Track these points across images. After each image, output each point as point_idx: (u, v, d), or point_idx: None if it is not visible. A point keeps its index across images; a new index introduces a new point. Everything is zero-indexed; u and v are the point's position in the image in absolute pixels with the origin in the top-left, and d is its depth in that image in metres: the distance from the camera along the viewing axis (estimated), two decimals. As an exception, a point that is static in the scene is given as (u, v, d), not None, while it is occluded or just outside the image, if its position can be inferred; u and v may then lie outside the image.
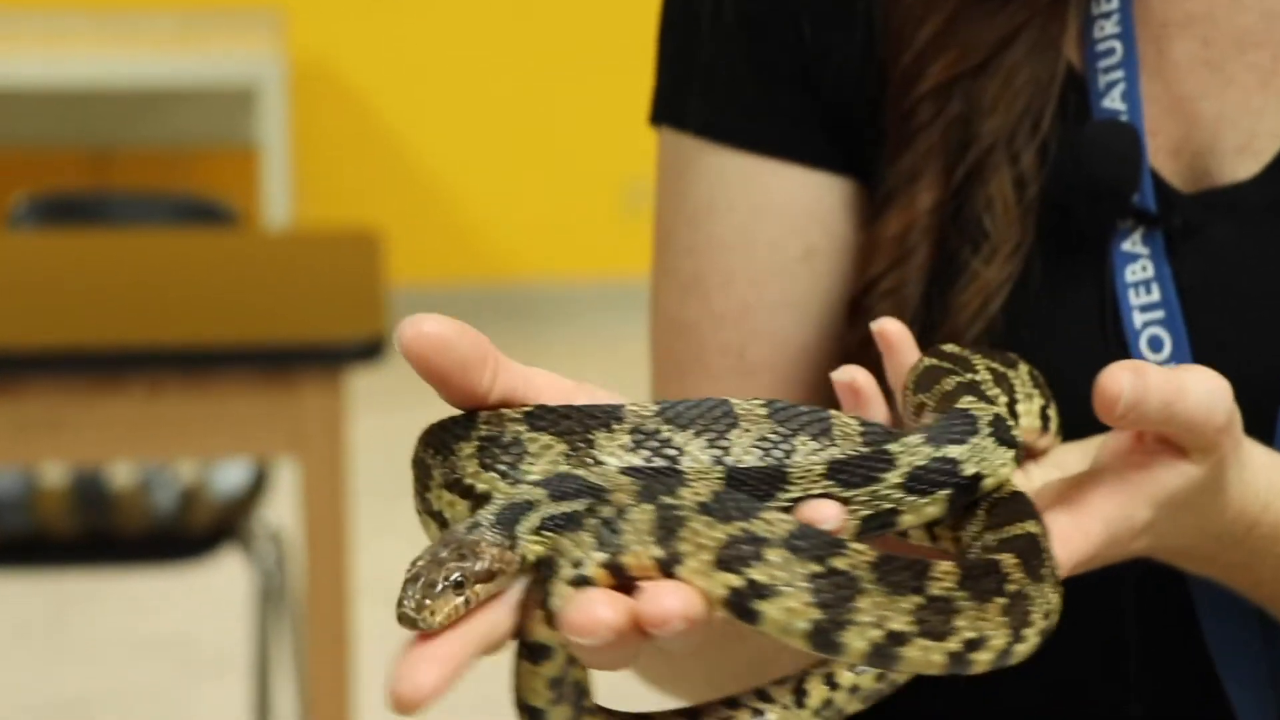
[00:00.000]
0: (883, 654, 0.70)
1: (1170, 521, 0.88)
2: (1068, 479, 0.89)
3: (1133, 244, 1.07)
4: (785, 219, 1.14)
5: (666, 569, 0.70)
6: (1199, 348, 1.05)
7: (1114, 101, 1.10)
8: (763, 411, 0.81)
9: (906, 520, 0.78)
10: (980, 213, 1.08)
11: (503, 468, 0.77)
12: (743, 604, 0.70)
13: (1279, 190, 1.09)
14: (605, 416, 0.79)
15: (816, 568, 0.70)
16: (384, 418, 5.64)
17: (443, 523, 0.79)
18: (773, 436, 0.80)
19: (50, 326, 2.95)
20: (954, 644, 0.71)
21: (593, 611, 0.69)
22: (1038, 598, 0.75)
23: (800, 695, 0.83)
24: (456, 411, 0.80)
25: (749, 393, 1.12)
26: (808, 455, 0.80)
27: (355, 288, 3.16)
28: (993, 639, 0.72)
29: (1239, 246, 1.08)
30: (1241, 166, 1.10)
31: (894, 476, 0.77)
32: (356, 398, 2.84)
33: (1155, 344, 1.06)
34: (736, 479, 0.76)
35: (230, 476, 3.39)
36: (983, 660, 0.72)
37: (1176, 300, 1.06)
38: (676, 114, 1.18)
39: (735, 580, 0.70)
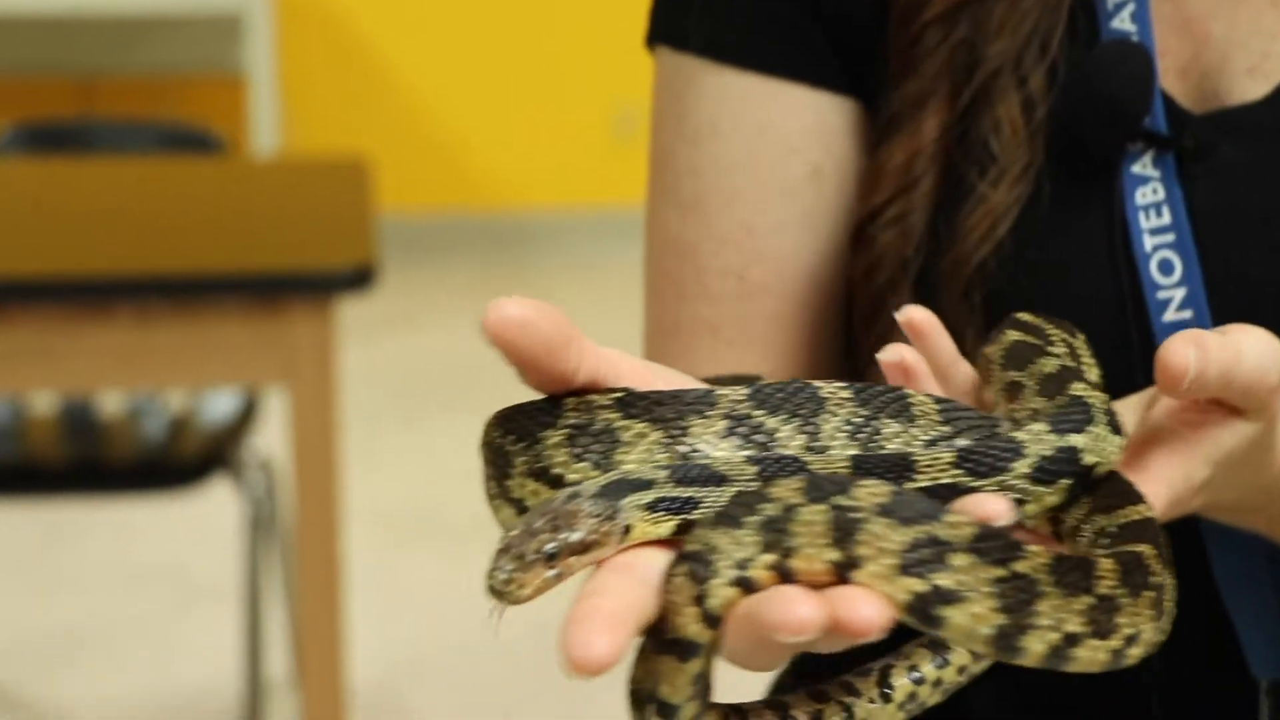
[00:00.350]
0: (1058, 656, 0.70)
1: (1226, 478, 0.88)
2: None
3: (1143, 166, 1.06)
4: (789, 139, 1.13)
5: (841, 573, 0.69)
6: (1210, 271, 1.04)
7: (1123, 22, 1.09)
8: (846, 394, 0.80)
9: (1029, 510, 0.77)
10: (987, 135, 1.08)
11: (594, 457, 0.75)
12: (926, 610, 0.68)
13: None
14: (699, 403, 0.77)
15: (1000, 572, 0.69)
16: (373, 347, 5.65)
17: (523, 510, 0.76)
18: (856, 420, 0.79)
19: (38, 255, 2.93)
20: (1116, 641, 0.71)
21: (796, 613, 0.67)
22: (1170, 586, 0.75)
23: (885, 689, 0.82)
24: (528, 395, 0.77)
25: (748, 316, 1.14)
26: (925, 443, 0.79)
27: (344, 216, 3.15)
28: (1144, 633, 0.72)
29: (1250, 168, 1.07)
30: (1252, 87, 1.08)
31: (1022, 466, 0.76)
32: (345, 327, 2.83)
33: (1166, 268, 1.05)
34: (864, 468, 0.76)
35: (220, 405, 3.38)
36: (1135, 655, 0.72)
37: (1188, 223, 1.05)
38: (677, 35, 1.17)
39: (920, 586, 0.68)
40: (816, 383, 0.80)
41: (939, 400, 0.82)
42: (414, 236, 6.49)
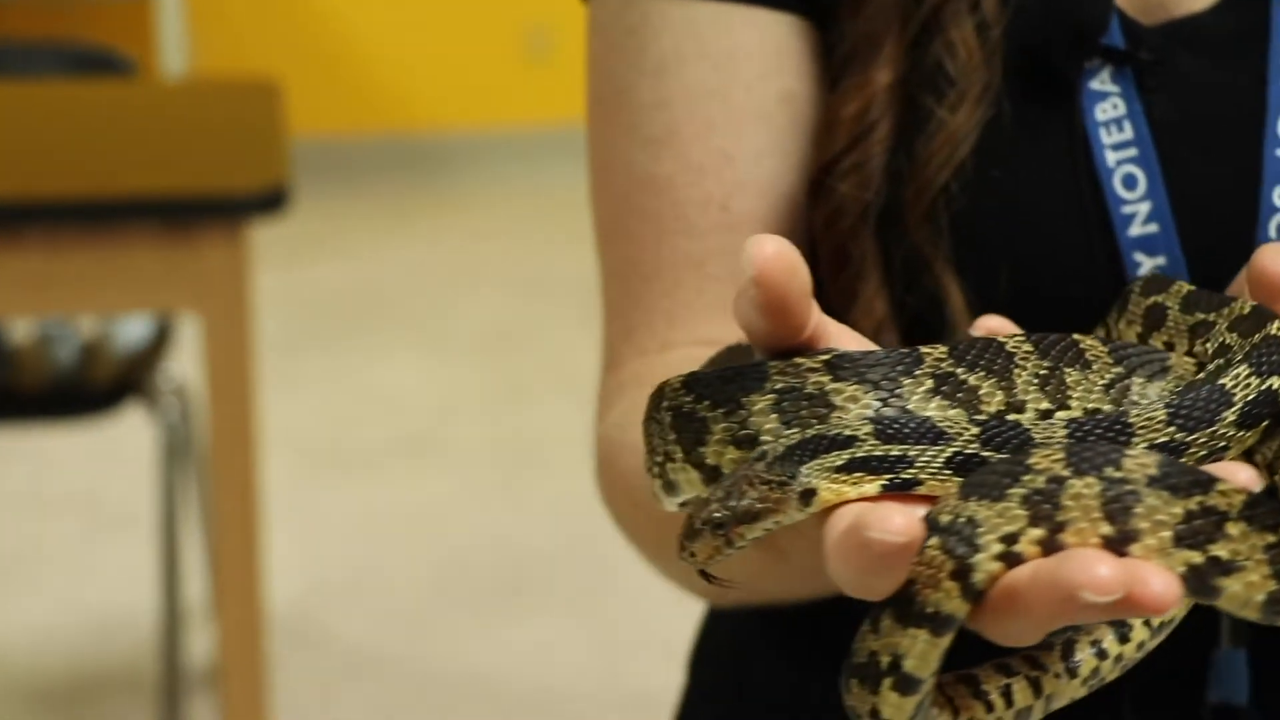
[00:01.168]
0: None
1: None
2: None
3: (1101, 82, 1.06)
4: (759, 62, 1.12)
5: (1115, 546, 0.68)
6: (1173, 183, 1.04)
7: None
8: (1028, 347, 0.80)
9: (1229, 455, 0.76)
10: (942, 59, 1.07)
11: (804, 422, 0.74)
12: (1203, 581, 0.68)
13: (1237, 18, 1.08)
14: (907, 361, 0.76)
15: (1272, 538, 0.68)
16: (288, 273, 5.59)
17: (715, 477, 0.75)
18: (1042, 372, 0.80)
19: (-58, 180, 2.88)
20: None
21: (1099, 573, 0.65)
22: None
23: (1070, 663, 0.82)
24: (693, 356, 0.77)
25: (734, 248, 1.07)
26: (1145, 404, 0.79)
27: (254, 138, 3.10)
28: None
29: (1206, 77, 1.07)
30: None
31: (1231, 415, 0.76)
32: (258, 252, 2.81)
33: (1129, 182, 1.05)
34: (1083, 432, 0.75)
35: (133, 331, 3.34)
36: None
37: (1149, 136, 1.05)
38: None
39: (1196, 557, 0.68)
40: (1000, 338, 0.80)
41: (1105, 341, 0.82)
42: (327, 159, 6.42)
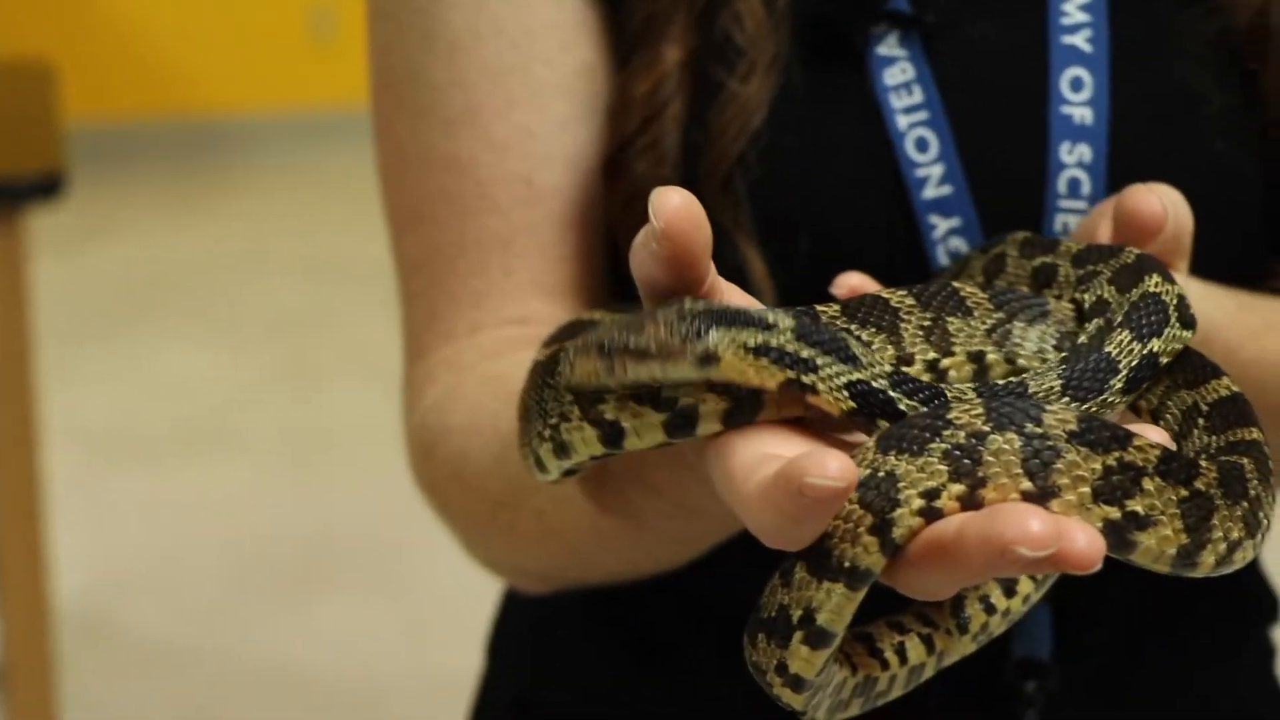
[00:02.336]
0: (1224, 564, 0.71)
1: None
2: None
3: (889, 47, 1.07)
4: (556, 36, 1.11)
5: (1034, 502, 0.68)
6: (964, 145, 1.06)
7: None
8: (911, 300, 0.80)
9: (1109, 417, 0.77)
10: (730, 30, 1.07)
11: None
12: (1120, 536, 0.68)
13: None
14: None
15: (1184, 492, 0.69)
16: (68, 260, 5.45)
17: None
18: (927, 324, 0.81)
19: None
20: (1260, 537, 0.72)
21: (1031, 527, 0.64)
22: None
23: (961, 620, 0.83)
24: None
25: (539, 223, 1.10)
26: (1042, 373, 0.79)
27: (27, 123, 3.02)
28: (1246, 545, 0.73)
29: (990, 38, 1.09)
30: None
31: (1118, 382, 0.78)
32: (36, 239, 2.74)
33: (921, 145, 1.06)
34: (989, 395, 0.75)
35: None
36: (1238, 560, 0.73)
37: (939, 100, 1.06)
38: None
39: (1114, 513, 0.68)
40: (883, 293, 0.80)
41: (985, 288, 0.83)
42: (105, 145, 6.28)
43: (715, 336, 0.72)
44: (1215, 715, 1.20)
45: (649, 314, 0.73)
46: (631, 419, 0.75)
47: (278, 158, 6.47)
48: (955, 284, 0.83)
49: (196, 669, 3.33)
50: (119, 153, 6.41)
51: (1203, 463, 0.71)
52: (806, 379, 0.73)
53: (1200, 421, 0.79)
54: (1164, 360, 0.80)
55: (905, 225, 1.05)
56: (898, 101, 1.06)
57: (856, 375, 0.73)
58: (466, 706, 1.31)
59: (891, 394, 0.74)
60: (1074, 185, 1.04)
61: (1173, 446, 0.72)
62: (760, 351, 0.72)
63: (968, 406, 0.69)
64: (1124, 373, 0.78)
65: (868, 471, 0.68)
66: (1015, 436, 0.68)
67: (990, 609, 0.84)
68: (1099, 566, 0.65)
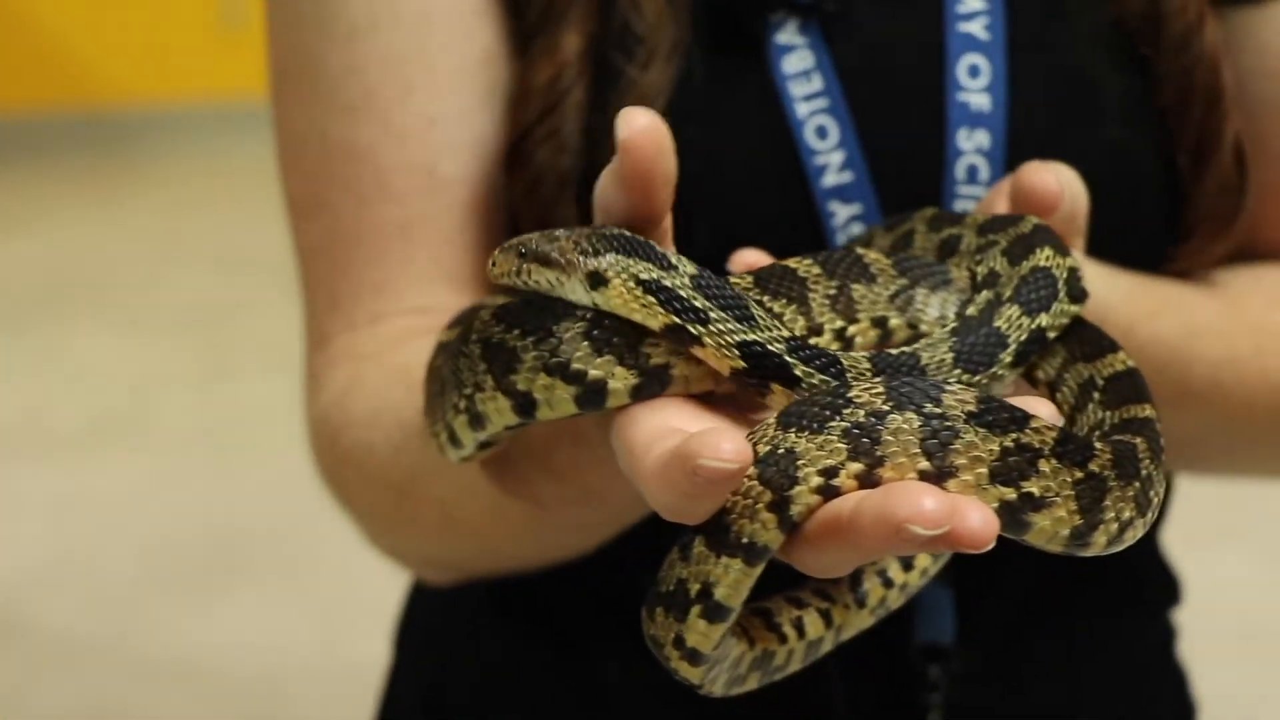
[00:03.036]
0: (1115, 543, 0.72)
1: None
2: None
3: (789, 35, 1.07)
4: (455, 23, 1.10)
5: (932, 482, 0.68)
6: (864, 132, 1.06)
7: None
8: (817, 269, 0.81)
9: (997, 389, 0.78)
10: (629, 17, 1.07)
11: (624, 351, 0.74)
12: (1015, 517, 0.68)
13: None
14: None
15: (1079, 474, 0.70)
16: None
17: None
18: (833, 292, 0.81)
19: None
20: (1151, 515, 0.73)
21: (925, 506, 0.64)
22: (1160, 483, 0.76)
23: (859, 594, 0.83)
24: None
25: (440, 211, 1.09)
26: (932, 343, 0.79)
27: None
28: (1137, 524, 0.74)
29: (889, 25, 1.09)
30: None
31: (1007, 356, 0.79)
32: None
33: (821, 132, 1.05)
34: (883, 365, 0.76)
35: None
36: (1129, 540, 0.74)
37: (838, 86, 1.06)
38: None
39: (1010, 494, 0.68)
40: (789, 263, 0.81)
41: (889, 254, 0.84)
42: (11, 137, 6.18)
43: (610, 260, 0.73)
44: (1115, 696, 1.21)
45: (570, 229, 0.75)
46: (543, 391, 0.75)
47: (187, 148, 6.42)
48: (860, 250, 0.83)
49: (107, 665, 3.30)
50: (26, 145, 6.31)
51: (1097, 444, 0.71)
52: (694, 329, 0.74)
53: (1096, 396, 0.80)
54: (1052, 334, 0.81)
55: (805, 213, 1.05)
56: (797, 89, 1.06)
57: (752, 336, 0.74)
58: (377, 699, 1.31)
59: (787, 359, 0.74)
60: (972, 171, 1.05)
61: (1060, 422, 0.72)
62: (651, 288, 0.73)
63: (868, 385, 0.69)
64: (1013, 346, 0.79)
65: (767, 448, 0.69)
66: (914, 416, 0.68)
67: (888, 583, 0.84)
68: (991, 545, 0.65)
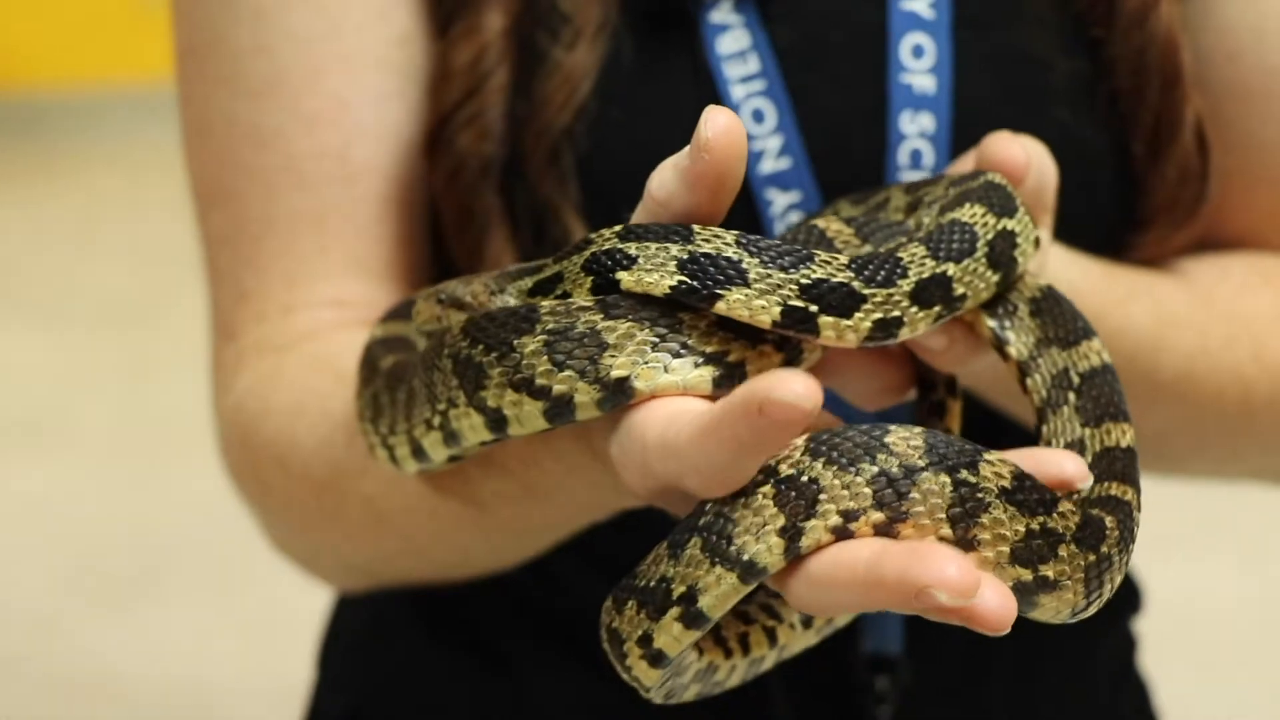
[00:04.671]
0: (1088, 614, 0.73)
1: None
2: None
3: (723, 13, 1.04)
4: (369, 4, 1.07)
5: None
6: (803, 115, 1.03)
7: None
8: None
9: (903, 333, 0.77)
10: None
11: (585, 363, 0.75)
12: (1026, 597, 0.69)
13: None
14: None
15: (1093, 558, 0.71)
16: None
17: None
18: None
19: None
20: (1100, 602, 0.74)
21: (949, 573, 0.65)
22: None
23: (805, 615, 0.83)
24: None
25: (354, 200, 1.07)
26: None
27: None
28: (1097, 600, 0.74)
29: (830, 5, 1.06)
30: None
31: (906, 284, 0.76)
32: None
33: (758, 116, 1.03)
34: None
35: None
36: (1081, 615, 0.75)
37: (776, 69, 1.03)
38: None
39: (1026, 575, 0.69)
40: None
41: (848, 222, 0.84)
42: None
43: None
44: (1073, 707, 1.19)
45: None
46: (512, 407, 0.76)
47: (104, 135, 6.36)
48: (818, 223, 0.83)
49: (22, 681, 3.24)
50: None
51: (1108, 523, 0.72)
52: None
53: (1072, 398, 0.80)
54: (960, 290, 0.78)
55: (741, 200, 1.01)
56: (732, 71, 1.04)
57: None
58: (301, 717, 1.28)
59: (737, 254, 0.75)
60: (915, 156, 1.03)
61: (1090, 480, 0.74)
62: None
63: (907, 435, 0.69)
64: (913, 277, 0.77)
65: (791, 472, 0.68)
66: (948, 480, 0.68)
67: None
68: (1006, 631, 0.65)
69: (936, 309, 0.77)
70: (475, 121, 1.04)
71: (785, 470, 0.68)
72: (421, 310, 0.81)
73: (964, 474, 0.68)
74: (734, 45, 1.04)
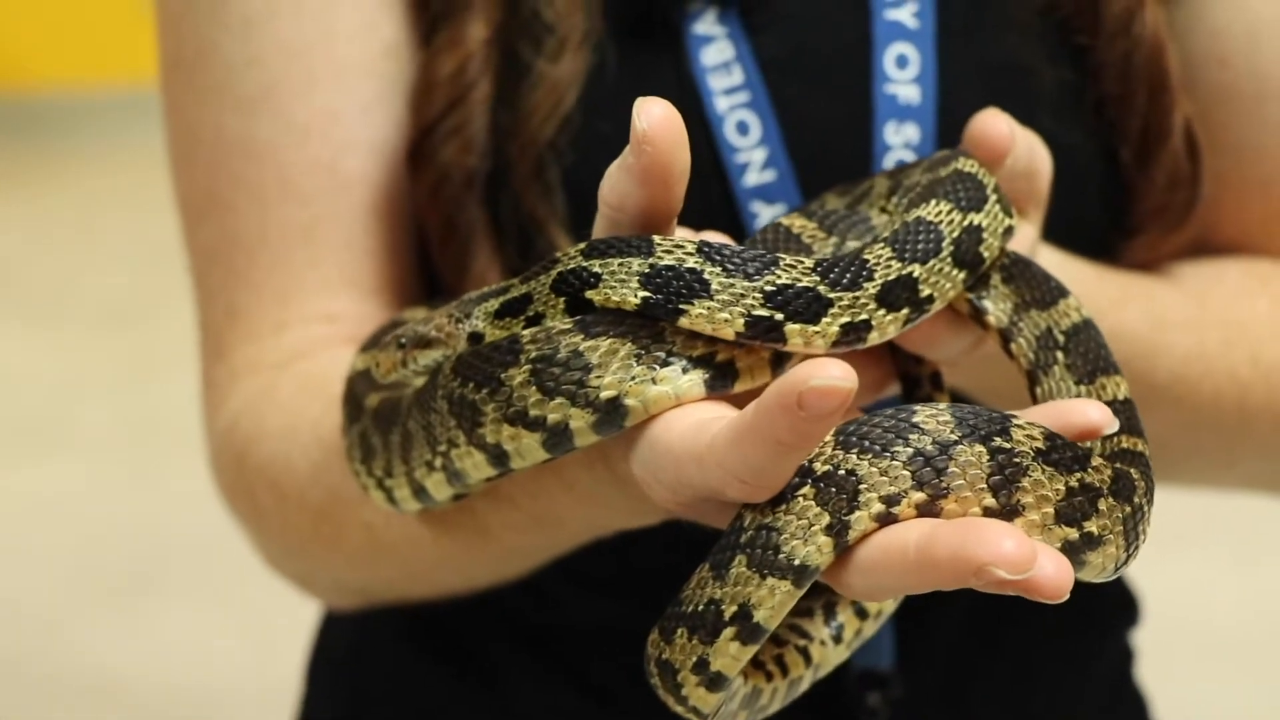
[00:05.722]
0: (1126, 568, 0.73)
1: None
2: None
3: (707, 25, 1.03)
4: (357, 12, 1.06)
5: (995, 517, 0.68)
6: (787, 127, 1.02)
7: None
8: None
9: (872, 337, 0.76)
10: (538, 5, 1.03)
11: (571, 388, 0.75)
12: (1074, 556, 0.69)
13: None
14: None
15: (1129, 509, 0.71)
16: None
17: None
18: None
19: None
20: (1139, 551, 0.74)
21: (1004, 549, 0.64)
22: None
23: (834, 628, 0.83)
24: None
25: (345, 212, 1.06)
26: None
27: None
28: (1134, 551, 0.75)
29: (812, 13, 1.05)
30: None
31: (871, 288, 0.76)
32: None
33: (742, 128, 1.02)
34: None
35: None
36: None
37: (760, 80, 1.02)
38: None
39: (1073, 534, 0.69)
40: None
41: (809, 215, 0.84)
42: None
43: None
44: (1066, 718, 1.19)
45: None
46: (510, 441, 0.76)
47: (103, 136, 6.32)
48: (783, 222, 0.83)
49: (23, 682, 3.24)
50: (-60, 133, 6.29)
51: (1134, 474, 0.72)
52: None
53: (1060, 356, 0.80)
54: (926, 290, 0.77)
55: (726, 214, 1.02)
56: (716, 83, 1.03)
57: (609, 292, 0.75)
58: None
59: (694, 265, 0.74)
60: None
61: (1116, 424, 0.74)
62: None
63: (934, 412, 0.69)
64: (879, 280, 0.76)
65: (826, 468, 0.68)
66: (983, 450, 0.68)
67: (862, 613, 0.84)
68: (1066, 596, 0.65)
69: (905, 311, 0.76)
70: (458, 133, 1.03)
71: (821, 468, 0.68)
72: (382, 362, 0.81)
73: (998, 441, 0.68)
74: (718, 57, 1.03)
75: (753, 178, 1.01)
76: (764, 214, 1.01)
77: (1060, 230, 0.97)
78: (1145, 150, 1.05)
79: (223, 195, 1.06)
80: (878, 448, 0.68)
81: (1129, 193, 1.06)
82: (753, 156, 1.02)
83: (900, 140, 1.01)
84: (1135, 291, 1.01)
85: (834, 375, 0.64)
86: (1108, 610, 1.21)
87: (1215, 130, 1.07)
